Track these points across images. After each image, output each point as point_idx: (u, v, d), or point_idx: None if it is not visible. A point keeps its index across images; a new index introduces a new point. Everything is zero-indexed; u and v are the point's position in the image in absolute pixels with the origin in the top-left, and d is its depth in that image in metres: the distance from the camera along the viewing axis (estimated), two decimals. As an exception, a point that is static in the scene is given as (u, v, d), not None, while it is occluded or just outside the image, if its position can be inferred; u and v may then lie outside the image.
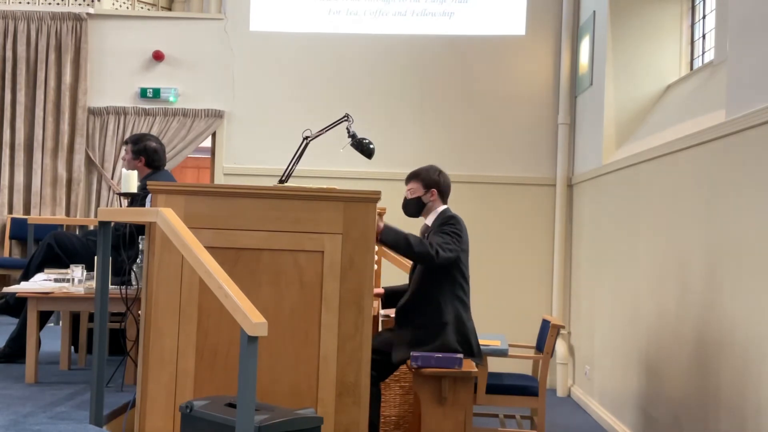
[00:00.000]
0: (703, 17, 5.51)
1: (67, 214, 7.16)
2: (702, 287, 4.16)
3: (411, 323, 4.18)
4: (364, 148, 4.46)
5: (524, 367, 5.49)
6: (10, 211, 7.14)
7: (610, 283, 5.81)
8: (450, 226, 4.18)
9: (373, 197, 3.49)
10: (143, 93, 7.19)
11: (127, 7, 7.66)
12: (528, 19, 7.14)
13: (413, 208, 4.36)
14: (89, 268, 4.28)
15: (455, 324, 4.15)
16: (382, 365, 4.06)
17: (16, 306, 4.62)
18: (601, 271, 6.05)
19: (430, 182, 4.32)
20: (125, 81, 7.23)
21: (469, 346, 4.16)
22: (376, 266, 4.17)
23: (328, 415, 3.39)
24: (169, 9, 7.87)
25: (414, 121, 7.16)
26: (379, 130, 6.58)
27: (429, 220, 4.33)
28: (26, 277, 4.70)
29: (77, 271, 4.21)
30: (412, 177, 4.36)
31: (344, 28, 7.22)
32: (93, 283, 3.86)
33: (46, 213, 7.11)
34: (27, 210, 7.16)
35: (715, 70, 4.81)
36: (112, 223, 3.83)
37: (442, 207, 4.34)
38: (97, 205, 7.18)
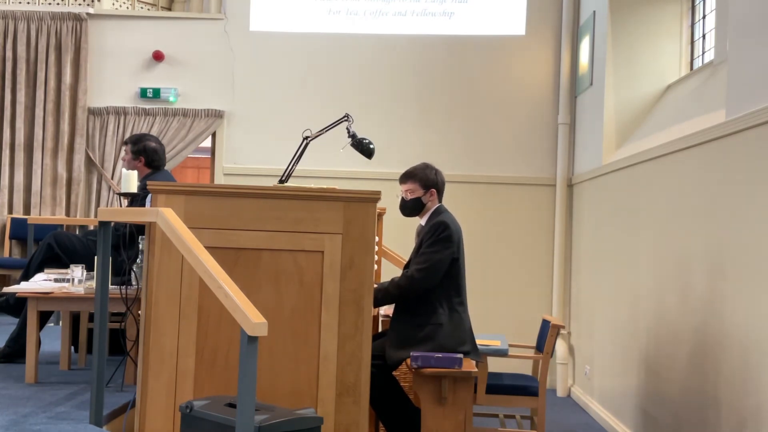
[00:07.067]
0: (703, 17, 5.51)
1: (67, 214, 7.16)
2: (702, 287, 4.16)
3: (405, 324, 4.15)
4: (364, 148, 4.46)
5: (524, 367, 5.49)
6: (10, 211, 7.14)
7: (610, 283, 5.81)
8: (436, 237, 4.12)
9: (373, 197, 3.49)
10: (143, 93, 7.19)
11: (127, 7, 7.66)
12: (528, 19, 7.14)
13: (412, 209, 4.32)
14: (89, 268, 4.28)
15: (450, 325, 4.12)
16: (381, 370, 4.05)
17: (16, 306, 4.62)
18: (601, 271, 6.05)
19: (429, 182, 4.29)
20: (125, 81, 7.23)
21: (465, 348, 4.13)
22: (376, 266, 4.18)
23: (328, 415, 3.39)
24: (169, 9, 7.87)
25: (414, 121, 7.16)
26: (379, 130, 6.59)
27: (424, 219, 4.31)
28: (26, 277, 4.70)
29: (77, 271, 4.21)
30: (409, 177, 4.31)
31: (344, 28, 7.22)
32: (93, 283, 3.87)
33: (46, 213, 7.11)
34: (27, 210, 7.16)
35: (715, 70, 4.81)
36: (112, 223, 3.83)
37: (436, 205, 4.32)
38: (97, 205, 7.17)
